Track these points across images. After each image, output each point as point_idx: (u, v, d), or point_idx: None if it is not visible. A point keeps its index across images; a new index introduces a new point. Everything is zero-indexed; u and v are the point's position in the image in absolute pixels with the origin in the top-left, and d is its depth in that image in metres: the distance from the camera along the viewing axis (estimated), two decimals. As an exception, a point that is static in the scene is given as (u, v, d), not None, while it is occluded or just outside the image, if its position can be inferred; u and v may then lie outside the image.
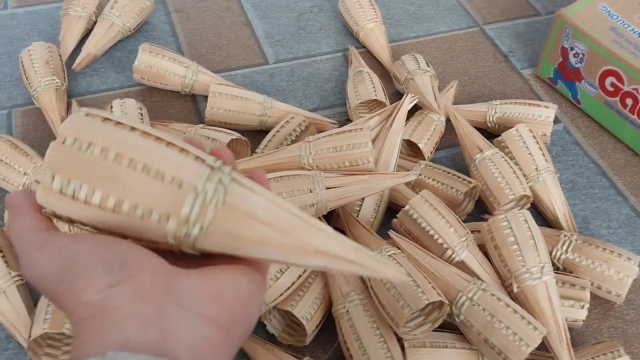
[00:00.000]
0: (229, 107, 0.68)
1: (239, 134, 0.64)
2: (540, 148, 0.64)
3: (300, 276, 0.52)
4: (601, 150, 0.73)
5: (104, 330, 0.27)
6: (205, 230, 0.30)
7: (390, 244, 0.55)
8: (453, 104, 0.73)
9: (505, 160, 0.62)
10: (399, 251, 0.53)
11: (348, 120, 0.73)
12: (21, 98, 0.75)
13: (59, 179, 0.30)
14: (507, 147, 0.65)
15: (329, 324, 0.54)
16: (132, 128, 0.31)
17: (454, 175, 0.62)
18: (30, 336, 0.50)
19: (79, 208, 0.30)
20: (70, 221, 0.31)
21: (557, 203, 0.63)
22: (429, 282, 0.50)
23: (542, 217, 0.65)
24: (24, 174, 0.60)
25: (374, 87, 0.70)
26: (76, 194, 0.30)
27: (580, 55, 0.73)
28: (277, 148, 0.63)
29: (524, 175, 0.63)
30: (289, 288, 0.52)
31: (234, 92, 0.69)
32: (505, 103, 0.70)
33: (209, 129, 0.65)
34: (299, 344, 0.53)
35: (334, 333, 0.54)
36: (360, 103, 0.71)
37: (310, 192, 0.55)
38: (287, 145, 0.64)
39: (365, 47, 0.82)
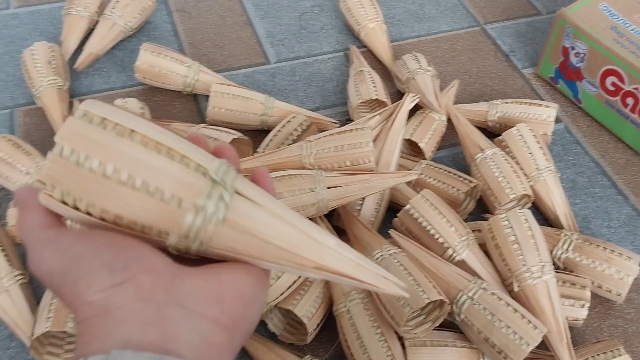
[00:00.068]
0: (230, 107, 0.68)
1: (240, 134, 0.64)
2: (541, 147, 0.64)
3: (300, 276, 0.52)
4: (602, 149, 0.73)
5: (106, 329, 0.27)
6: (206, 245, 0.30)
7: (391, 243, 0.55)
8: (454, 103, 0.73)
9: (506, 159, 0.63)
10: (400, 250, 0.54)
11: (349, 120, 0.73)
12: (23, 98, 0.75)
13: (59, 189, 0.30)
14: (508, 147, 0.65)
15: (330, 322, 0.54)
16: (132, 131, 0.30)
17: (455, 174, 0.62)
18: (32, 334, 0.50)
19: (81, 215, 0.30)
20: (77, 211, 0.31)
21: (557, 202, 0.63)
22: (430, 281, 0.50)
23: (543, 216, 0.65)
24: (26, 173, 0.60)
25: (375, 87, 0.71)
26: (77, 205, 0.30)
27: (581, 55, 0.73)
28: (279, 147, 0.63)
29: (525, 175, 0.63)
30: (290, 287, 0.52)
31: (235, 91, 0.69)
32: (506, 102, 0.70)
33: (210, 128, 0.65)
34: (300, 343, 0.54)
35: (335, 332, 0.54)
36: (362, 102, 0.71)
37: (312, 191, 0.55)
38: (289, 144, 0.64)
39: (366, 46, 0.83)
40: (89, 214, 0.30)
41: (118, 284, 0.28)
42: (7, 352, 0.54)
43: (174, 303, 0.28)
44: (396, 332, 0.51)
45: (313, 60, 0.82)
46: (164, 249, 0.31)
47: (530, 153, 0.64)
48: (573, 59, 0.74)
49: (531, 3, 0.93)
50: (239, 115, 0.69)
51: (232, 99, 0.68)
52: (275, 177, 0.57)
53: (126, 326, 0.27)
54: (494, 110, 0.70)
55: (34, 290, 0.56)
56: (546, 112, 0.69)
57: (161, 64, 0.72)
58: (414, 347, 0.50)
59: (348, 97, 0.73)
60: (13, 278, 0.54)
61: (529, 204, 0.64)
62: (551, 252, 0.58)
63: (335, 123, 0.70)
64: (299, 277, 0.52)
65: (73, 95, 0.75)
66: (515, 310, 0.49)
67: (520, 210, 0.55)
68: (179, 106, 0.75)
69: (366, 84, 0.71)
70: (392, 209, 0.62)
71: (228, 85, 0.71)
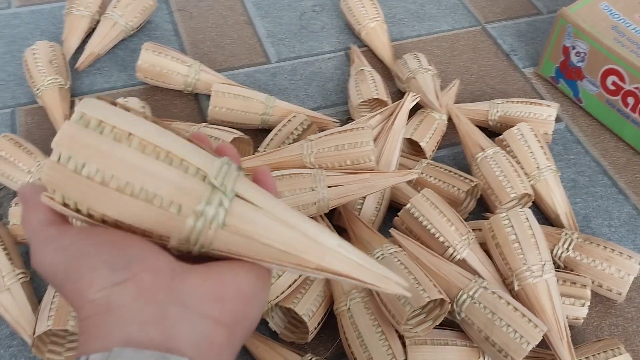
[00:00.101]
0: (231, 106, 0.68)
1: (241, 133, 0.64)
2: (541, 147, 0.64)
3: (301, 275, 0.53)
4: (602, 149, 0.73)
5: (108, 328, 0.27)
6: (207, 247, 0.30)
7: (392, 242, 0.55)
8: (455, 102, 0.73)
9: (507, 158, 0.63)
10: (400, 249, 0.54)
11: (350, 119, 0.73)
12: (24, 97, 0.75)
13: (59, 193, 0.30)
14: (509, 146, 0.65)
15: (330, 321, 0.54)
16: (130, 135, 0.29)
17: (456, 173, 0.62)
18: (34, 333, 0.50)
19: (83, 217, 0.30)
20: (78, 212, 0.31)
21: (558, 201, 0.63)
22: (430, 280, 0.50)
23: (544, 215, 0.65)
24: (28, 172, 0.60)
25: (375, 86, 0.71)
26: (79, 207, 0.30)
27: (582, 54, 0.73)
28: (279, 147, 0.64)
29: (526, 174, 0.63)
30: (290, 286, 0.52)
31: (236, 91, 0.69)
32: (507, 102, 0.70)
33: (211, 127, 0.65)
34: (301, 341, 0.54)
35: (335, 330, 0.54)
36: (362, 102, 0.71)
37: (312, 190, 0.55)
38: (289, 144, 0.65)
39: (367, 46, 0.83)
40: (90, 215, 0.30)
41: (119, 283, 0.28)
42: (9, 350, 0.54)
43: (174, 302, 0.28)
44: (397, 331, 0.51)
45: (314, 60, 0.82)
46: (166, 247, 0.31)
47: (531, 152, 0.64)
48: (574, 59, 0.75)
49: (532, 2, 0.93)
50: (239, 114, 0.69)
51: (233, 98, 0.68)
52: (276, 176, 0.57)
53: (127, 325, 0.27)
54: (495, 110, 0.70)
55: (35, 288, 0.56)
56: (547, 112, 0.69)
57: (162, 64, 0.73)
58: (414, 345, 0.50)
59: (349, 96, 0.74)
60: (15, 277, 0.54)
61: (530, 203, 0.64)
62: (552, 251, 0.58)
63: (336, 122, 0.70)
64: (300, 275, 0.52)
65: (74, 94, 0.75)
66: (516, 309, 0.49)
67: (521, 210, 0.55)
68: (180, 105, 0.75)
69: (367, 84, 0.71)
70: (393, 208, 0.63)
71: (229, 84, 0.71)
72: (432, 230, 0.55)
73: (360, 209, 0.60)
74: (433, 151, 0.68)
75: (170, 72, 0.73)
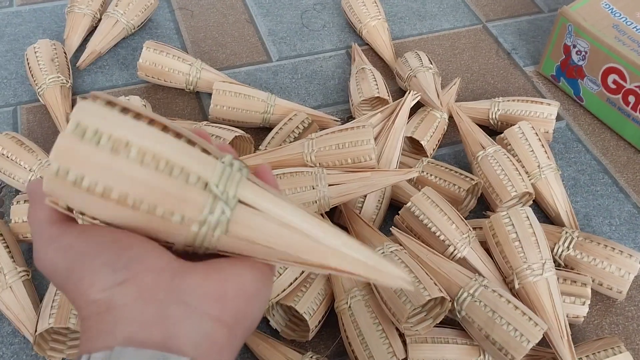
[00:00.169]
0: (232, 105, 0.68)
1: (242, 131, 0.64)
2: (542, 145, 0.64)
3: (302, 272, 0.53)
4: (603, 147, 0.73)
5: (109, 327, 0.28)
6: (211, 249, 0.31)
7: (392, 240, 0.55)
8: (456, 101, 0.73)
9: (508, 157, 0.63)
10: (401, 247, 0.54)
11: (351, 118, 0.74)
12: (26, 95, 0.75)
13: (62, 201, 0.30)
14: (510, 144, 0.65)
15: (331, 319, 0.55)
16: (127, 144, 0.28)
17: (456, 172, 0.62)
18: (36, 331, 0.50)
19: (88, 220, 0.31)
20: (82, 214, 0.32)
21: (558, 200, 0.63)
22: (431, 279, 0.50)
23: (544, 214, 0.65)
24: (30, 170, 0.61)
25: (376, 85, 0.71)
26: (83, 211, 0.30)
27: (583, 53, 0.73)
28: (280, 145, 0.64)
29: (526, 172, 0.63)
30: (291, 284, 0.52)
31: (237, 89, 0.69)
32: (508, 100, 0.70)
33: (212, 126, 0.65)
34: (301, 339, 0.54)
35: (336, 328, 0.54)
36: (363, 100, 0.71)
37: (313, 189, 0.55)
38: (290, 142, 0.65)
39: (368, 44, 0.83)
40: (94, 218, 0.30)
41: (120, 283, 0.28)
42: (11, 348, 0.54)
43: (175, 301, 0.28)
44: (397, 329, 0.51)
45: (315, 58, 0.82)
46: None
47: (532, 151, 0.64)
48: (574, 57, 0.75)
49: (533, 1, 0.93)
50: (241, 113, 0.69)
51: (234, 96, 0.68)
52: (277, 174, 0.57)
53: (128, 324, 0.27)
54: (496, 108, 0.70)
55: (37, 286, 0.56)
56: (547, 110, 0.69)
57: (163, 62, 0.73)
58: (415, 343, 0.50)
59: (350, 94, 0.74)
60: (16, 274, 0.54)
61: (530, 202, 0.64)
62: (552, 249, 0.58)
63: (337, 121, 0.71)
64: (301, 274, 0.53)
65: (76, 92, 0.75)
66: (516, 308, 0.49)
67: (522, 208, 0.55)
68: (181, 104, 0.75)
69: (368, 82, 0.71)
70: (394, 206, 0.63)
71: (230, 83, 0.71)
72: (433, 229, 0.55)
73: (361, 207, 0.60)
74: (434, 150, 0.68)
75: (171, 70, 0.73)
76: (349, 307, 0.52)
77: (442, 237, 0.55)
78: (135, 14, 0.80)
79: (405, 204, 0.57)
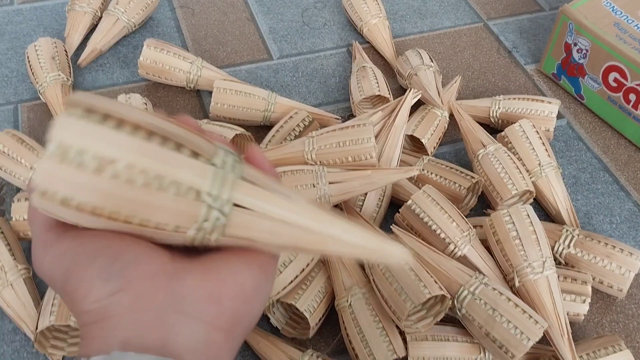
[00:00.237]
0: (233, 103, 0.68)
1: (243, 130, 0.64)
2: (543, 143, 0.64)
3: (303, 270, 0.53)
4: (604, 145, 0.73)
5: (106, 335, 0.28)
6: (212, 245, 0.31)
7: (393, 238, 0.55)
8: (456, 99, 0.73)
9: (508, 155, 0.63)
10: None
11: (351, 116, 0.74)
12: (27, 93, 0.75)
13: (54, 215, 0.30)
14: (510, 143, 0.65)
15: (331, 317, 0.55)
16: (112, 161, 0.27)
17: (457, 170, 0.62)
18: (36, 328, 0.50)
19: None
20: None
21: (559, 198, 0.63)
22: (431, 276, 0.50)
23: (545, 212, 0.65)
24: (30, 168, 0.61)
25: (377, 83, 0.71)
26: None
27: (584, 51, 0.73)
28: (281, 143, 0.64)
29: (527, 171, 0.63)
30: (292, 281, 0.52)
31: (238, 87, 0.69)
32: (509, 98, 0.70)
33: (213, 124, 0.65)
34: (302, 337, 0.54)
35: (336, 326, 0.54)
36: (364, 98, 0.71)
37: (314, 187, 0.56)
38: (291, 140, 0.65)
39: (369, 42, 0.83)
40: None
41: (114, 294, 0.28)
42: (12, 345, 0.54)
43: (171, 306, 0.28)
44: (398, 327, 0.51)
45: (315, 57, 0.82)
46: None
47: (533, 149, 0.64)
48: (575, 55, 0.74)
49: (534, -1, 0.93)
50: (241, 111, 0.69)
51: (234, 95, 0.68)
52: (278, 172, 0.57)
53: (125, 331, 0.28)
54: (497, 106, 0.70)
55: (37, 284, 0.56)
56: (548, 108, 0.69)
57: (164, 60, 0.73)
58: (415, 341, 0.50)
59: (350, 93, 0.74)
60: (17, 272, 0.54)
61: (531, 200, 0.64)
62: (552, 247, 0.58)
63: (338, 119, 0.71)
64: (301, 271, 0.53)
65: (76, 90, 0.75)
66: (516, 305, 0.49)
67: (522, 206, 0.55)
68: (182, 102, 0.75)
69: (368, 80, 0.71)
70: (394, 204, 0.63)
71: (231, 81, 0.71)
72: (433, 227, 0.55)
73: (362, 205, 0.60)
74: (434, 148, 0.68)
75: (172, 68, 0.73)
76: (350, 304, 0.52)
77: (442, 235, 0.55)
78: (136, 12, 0.80)
79: (406, 202, 0.57)
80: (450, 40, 0.85)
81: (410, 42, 0.84)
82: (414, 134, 0.65)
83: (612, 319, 0.58)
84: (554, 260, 0.54)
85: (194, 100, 0.75)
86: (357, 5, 0.82)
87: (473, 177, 0.61)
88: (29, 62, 0.73)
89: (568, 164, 0.71)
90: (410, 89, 0.65)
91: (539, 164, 0.63)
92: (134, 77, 0.78)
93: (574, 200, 0.67)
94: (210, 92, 0.71)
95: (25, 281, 0.54)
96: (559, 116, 0.74)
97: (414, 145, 0.69)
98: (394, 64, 0.78)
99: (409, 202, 0.57)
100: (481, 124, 0.69)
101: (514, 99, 0.70)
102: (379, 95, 0.72)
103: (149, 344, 0.27)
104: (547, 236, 0.55)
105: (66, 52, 0.75)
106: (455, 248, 0.55)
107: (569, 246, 0.58)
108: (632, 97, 0.70)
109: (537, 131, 0.65)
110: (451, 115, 0.70)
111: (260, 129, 0.71)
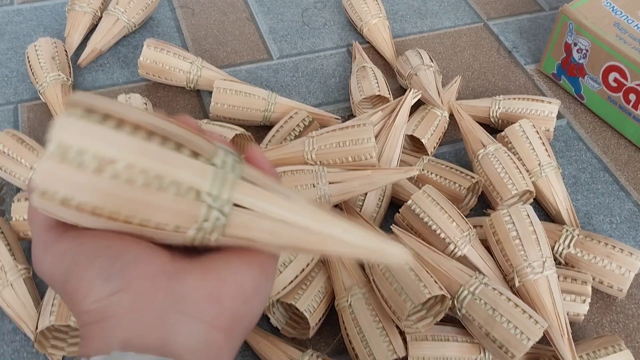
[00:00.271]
0: (233, 103, 0.68)
1: (243, 130, 0.64)
2: (543, 143, 0.64)
3: (303, 270, 0.53)
4: (604, 145, 0.73)
5: (106, 335, 0.28)
6: (211, 245, 0.31)
7: (393, 238, 0.55)
8: (456, 99, 0.73)
9: (508, 155, 0.63)
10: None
11: (351, 116, 0.74)
12: (27, 93, 0.75)
13: (54, 215, 0.30)
14: (510, 143, 0.65)
15: (331, 317, 0.55)
16: (112, 161, 0.27)
17: (457, 170, 0.62)
18: (36, 328, 0.50)
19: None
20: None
21: (559, 198, 0.63)
22: (431, 276, 0.50)
23: (545, 212, 0.65)
24: (30, 168, 0.61)
25: (377, 83, 0.71)
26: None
27: (584, 51, 0.73)
28: (281, 143, 0.64)
29: (527, 171, 0.63)
30: (292, 281, 0.52)
31: (238, 87, 0.69)
32: (509, 98, 0.70)
33: (213, 124, 0.65)
34: (302, 337, 0.54)
35: (336, 326, 0.54)
36: (364, 98, 0.71)
37: (314, 187, 0.56)
38: (291, 140, 0.65)
39: (369, 42, 0.83)
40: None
41: (114, 294, 0.28)
42: (12, 345, 0.54)
43: (171, 306, 0.28)
44: (398, 327, 0.51)
45: (315, 57, 0.82)
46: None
47: (533, 149, 0.64)
48: (575, 55, 0.74)
49: (534, -1, 0.93)
50: (241, 111, 0.69)
51: (234, 95, 0.68)
52: (278, 172, 0.57)
53: (125, 331, 0.28)
54: (497, 106, 0.70)
55: (37, 284, 0.56)
56: (548, 108, 0.69)
57: (164, 60, 0.73)
58: (415, 341, 0.50)
59: (350, 93, 0.74)
60: (17, 272, 0.54)
61: (531, 200, 0.64)
62: (552, 247, 0.58)
63: (338, 119, 0.71)
64: (301, 271, 0.53)
65: (76, 90, 0.75)
66: (516, 305, 0.49)
67: (522, 206, 0.55)
68: (182, 102, 0.75)
69: (368, 80, 0.71)
70: (394, 204, 0.63)
71: (231, 81, 0.71)
72: (433, 227, 0.55)
73: (362, 205, 0.60)
74: (434, 148, 0.68)
75: (172, 68, 0.73)
76: (350, 304, 0.52)
77: (442, 235, 0.55)
78: (136, 12, 0.80)
79: (406, 202, 0.57)
80: (450, 40, 0.85)
81: (410, 42, 0.84)
82: (414, 134, 0.65)
83: (612, 319, 0.58)
84: (554, 260, 0.54)
85: (194, 100, 0.75)
86: (357, 5, 0.82)
87: (473, 177, 0.61)
88: (29, 62, 0.73)
89: (568, 164, 0.71)
90: (410, 89, 0.65)
91: (539, 164, 0.63)
92: (134, 77, 0.78)
93: (574, 200, 0.67)
94: (210, 92, 0.71)
95: (25, 281, 0.54)
96: (559, 116, 0.74)
97: (414, 145, 0.69)
98: (394, 64, 0.78)
99: (409, 202, 0.57)
100: (481, 124, 0.69)
101: (514, 99, 0.70)
102: (379, 95, 0.72)
103: (149, 344, 0.27)
104: (547, 236, 0.55)
105: (66, 52, 0.75)
106: (455, 248, 0.55)
107: (569, 246, 0.58)
108: (632, 97, 0.70)
109: (537, 131, 0.65)
110: (451, 115, 0.70)
111: (260, 129, 0.71)
